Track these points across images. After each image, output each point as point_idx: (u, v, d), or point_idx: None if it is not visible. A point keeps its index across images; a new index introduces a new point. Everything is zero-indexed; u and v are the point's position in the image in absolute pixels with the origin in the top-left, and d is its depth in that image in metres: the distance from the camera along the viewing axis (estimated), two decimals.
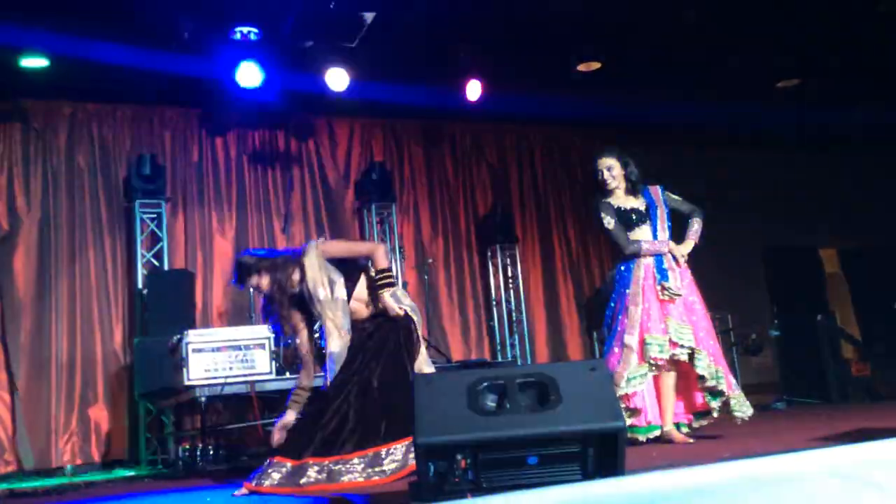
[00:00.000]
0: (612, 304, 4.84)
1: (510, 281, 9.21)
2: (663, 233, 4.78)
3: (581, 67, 7.97)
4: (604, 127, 9.72)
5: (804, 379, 9.40)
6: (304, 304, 4.08)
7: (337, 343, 3.99)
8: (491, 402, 2.81)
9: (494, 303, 9.13)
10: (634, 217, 4.77)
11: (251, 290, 4.26)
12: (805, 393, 8.79)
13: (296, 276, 4.05)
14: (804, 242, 11.11)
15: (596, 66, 7.95)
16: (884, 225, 10.83)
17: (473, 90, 7.83)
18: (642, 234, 4.75)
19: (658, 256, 4.71)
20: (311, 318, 4.14)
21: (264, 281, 4.06)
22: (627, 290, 4.71)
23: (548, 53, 7.65)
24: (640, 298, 4.64)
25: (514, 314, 9.11)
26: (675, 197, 4.94)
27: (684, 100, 8.66)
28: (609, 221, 4.73)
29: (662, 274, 4.65)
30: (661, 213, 4.82)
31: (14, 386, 7.01)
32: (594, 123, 9.57)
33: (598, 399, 2.72)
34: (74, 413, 7.14)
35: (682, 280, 4.70)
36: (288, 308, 4.08)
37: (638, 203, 4.82)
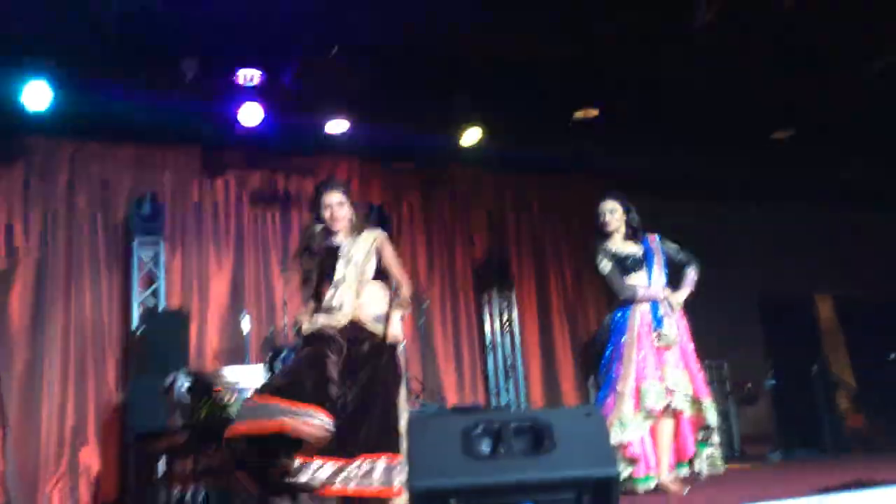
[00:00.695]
0: (608, 352, 4.84)
1: (505, 325, 9.21)
2: (659, 280, 4.81)
3: (578, 115, 8.08)
4: (601, 174, 9.81)
5: (799, 429, 9.38)
6: (330, 260, 4.09)
7: (337, 298, 3.99)
8: (486, 446, 2.81)
9: (490, 347, 9.11)
10: (630, 262, 4.80)
11: (331, 202, 4.13)
12: (800, 444, 8.75)
13: (358, 230, 4.14)
14: (800, 292, 11.15)
15: (594, 113, 8.06)
16: (880, 274, 10.88)
17: (471, 136, 7.92)
18: (638, 279, 4.78)
19: (654, 303, 4.72)
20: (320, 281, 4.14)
21: (345, 210, 4.12)
22: (623, 338, 4.71)
23: (546, 101, 7.76)
24: (635, 346, 4.64)
25: (509, 359, 9.09)
26: (672, 245, 4.98)
27: (681, 148, 8.77)
28: (605, 265, 4.76)
29: (658, 321, 4.67)
30: (658, 261, 4.85)
31: (6, 420, 6.96)
32: (591, 171, 9.66)
33: (594, 445, 2.72)
34: (65, 453, 7.06)
35: (677, 327, 4.71)
36: (322, 254, 4.10)
37: (636, 249, 4.85)
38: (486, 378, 9.02)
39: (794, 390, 9.83)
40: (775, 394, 9.75)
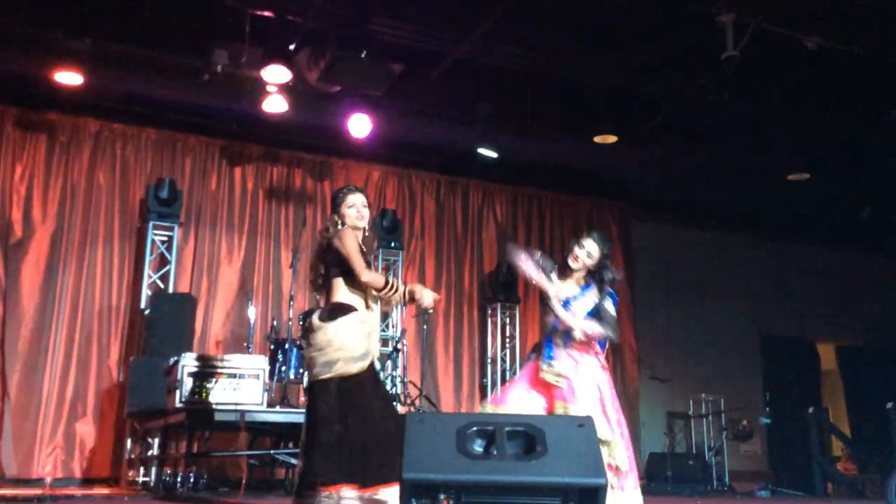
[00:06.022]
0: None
1: (507, 340, 9.26)
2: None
3: (597, 140, 8.15)
4: (615, 198, 9.91)
5: (790, 470, 9.38)
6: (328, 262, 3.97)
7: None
8: (478, 446, 2.86)
9: (489, 360, 9.16)
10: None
11: (357, 202, 3.99)
12: (790, 484, 8.76)
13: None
14: (803, 335, 11.16)
15: (612, 139, 8.14)
16: (883, 326, 10.88)
17: (490, 150, 8.00)
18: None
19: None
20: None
21: (364, 210, 4.02)
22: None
23: (566, 123, 7.84)
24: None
25: (507, 373, 9.13)
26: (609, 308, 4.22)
27: (696, 180, 8.81)
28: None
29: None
30: (578, 307, 4.19)
31: (6, 391, 7.05)
32: (606, 194, 9.76)
33: (583, 454, 2.77)
34: (61, 425, 7.16)
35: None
36: (322, 255, 3.99)
37: (570, 291, 4.27)
38: (482, 390, 9.06)
39: (789, 431, 9.84)
40: (769, 433, 9.75)
